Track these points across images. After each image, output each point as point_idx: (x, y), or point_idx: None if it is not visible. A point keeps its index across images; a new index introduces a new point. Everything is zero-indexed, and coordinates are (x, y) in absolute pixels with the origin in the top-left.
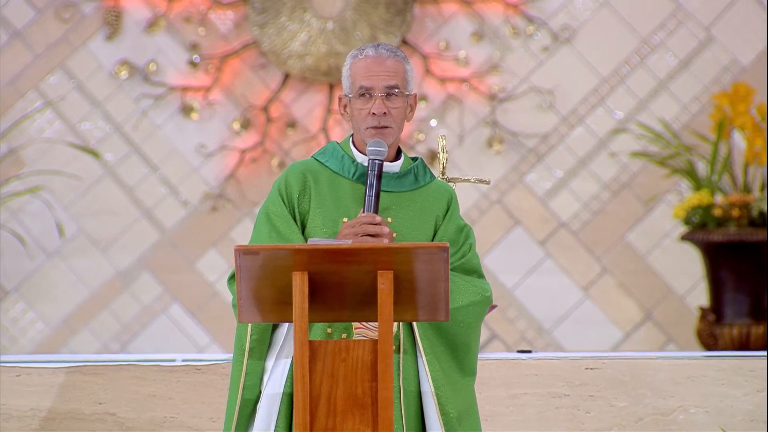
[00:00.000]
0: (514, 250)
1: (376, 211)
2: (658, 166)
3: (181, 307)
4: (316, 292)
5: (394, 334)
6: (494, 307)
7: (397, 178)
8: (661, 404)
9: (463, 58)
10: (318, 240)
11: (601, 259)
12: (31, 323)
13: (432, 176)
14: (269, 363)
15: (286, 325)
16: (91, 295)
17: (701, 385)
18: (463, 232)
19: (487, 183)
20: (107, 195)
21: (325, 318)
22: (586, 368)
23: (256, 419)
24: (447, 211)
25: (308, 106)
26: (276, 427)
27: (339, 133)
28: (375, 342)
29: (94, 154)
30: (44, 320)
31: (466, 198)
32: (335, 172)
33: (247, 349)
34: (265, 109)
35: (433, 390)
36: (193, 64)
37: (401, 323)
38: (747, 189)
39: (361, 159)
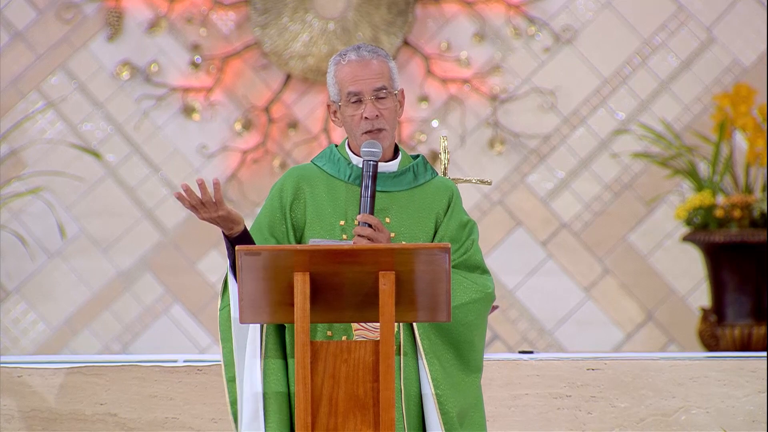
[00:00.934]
0: (516, 250)
1: (371, 213)
2: (659, 166)
3: (183, 307)
4: (318, 293)
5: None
6: (496, 307)
7: (394, 177)
8: (663, 405)
9: (464, 58)
10: (319, 240)
11: (603, 259)
12: (33, 324)
13: (433, 173)
14: (251, 361)
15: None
16: (92, 295)
17: (703, 386)
18: (466, 228)
19: (489, 184)
20: (109, 196)
21: (327, 319)
22: (588, 369)
23: (243, 418)
24: (448, 207)
25: (310, 107)
26: (267, 427)
27: (340, 133)
28: (376, 343)
29: (96, 154)
30: (45, 321)
31: (467, 199)
32: (332, 176)
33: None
34: (267, 109)
35: (433, 391)
36: (194, 65)
37: (401, 324)
38: (748, 190)
39: (356, 161)
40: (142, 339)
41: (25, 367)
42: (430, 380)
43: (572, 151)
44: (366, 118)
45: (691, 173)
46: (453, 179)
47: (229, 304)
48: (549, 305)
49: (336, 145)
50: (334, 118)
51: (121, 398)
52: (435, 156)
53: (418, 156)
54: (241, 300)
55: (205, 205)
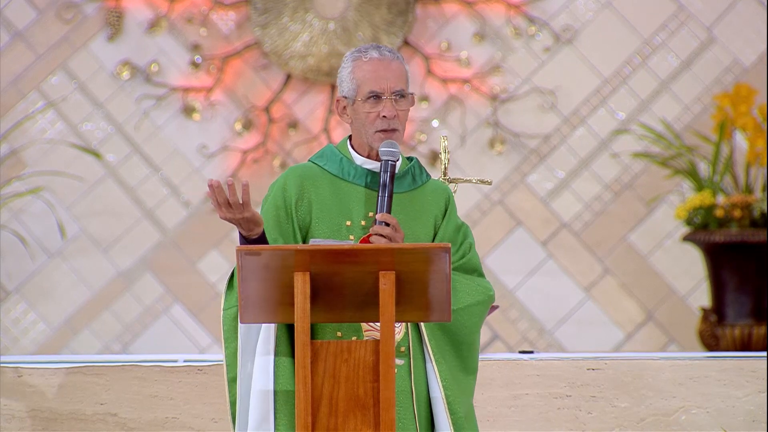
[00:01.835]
0: (516, 250)
1: (389, 212)
2: (659, 166)
3: (183, 307)
4: (318, 293)
5: (402, 337)
6: (496, 307)
7: (397, 179)
8: (663, 405)
9: (464, 58)
10: (320, 240)
11: (603, 259)
12: (33, 324)
13: (428, 176)
14: (258, 359)
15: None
16: (92, 295)
17: (703, 386)
18: (461, 231)
19: (489, 184)
20: (109, 196)
21: (327, 318)
22: (588, 369)
23: (250, 417)
24: (445, 211)
25: (310, 107)
26: (276, 426)
27: (341, 133)
28: (377, 342)
29: (96, 154)
30: (46, 321)
31: (467, 199)
32: (335, 176)
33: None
34: (267, 109)
35: (442, 393)
36: (194, 65)
37: (409, 326)
38: (749, 190)
39: (360, 161)
40: (143, 339)
41: (26, 366)
42: (440, 382)
43: (572, 151)
44: (384, 116)
45: (692, 173)
46: (453, 179)
47: (237, 305)
48: (549, 305)
49: (334, 145)
50: (342, 114)
51: (121, 398)
52: (435, 156)
53: (412, 158)
54: (241, 300)
55: (231, 206)
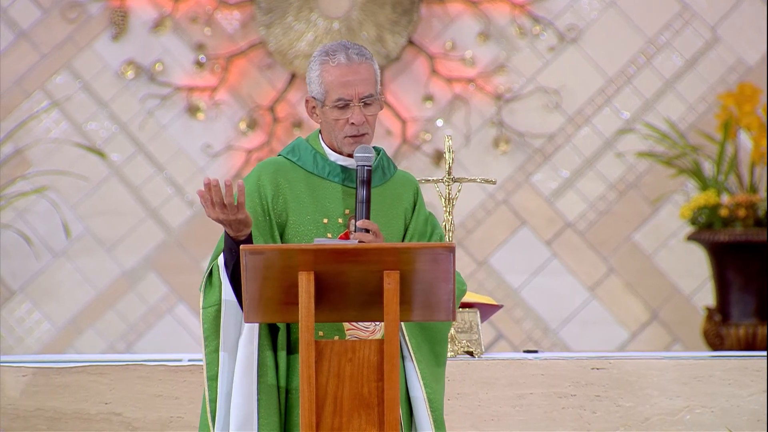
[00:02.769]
0: (520, 250)
1: (368, 218)
2: (664, 166)
3: (187, 307)
4: (322, 292)
5: (380, 334)
6: (500, 307)
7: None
8: (668, 404)
9: (469, 58)
10: (323, 240)
11: (608, 259)
12: (37, 323)
13: (394, 167)
14: (241, 357)
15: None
16: (97, 295)
17: (707, 386)
18: (429, 223)
19: (493, 183)
20: (113, 195)
21: (331, 318)
22: (592, 368)
23: (232, 415)
24: (415, 203)
25: None
26: (260, 426)
27: None
28: (381, 342)
29: (100, 154)
30: (50, 320)
31: (472, 198)
32: (309, 172)
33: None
34: (272, 109)
35: (424, 395)
36: (199, 64)
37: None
38: (753, 189)
39: (334, 157)
40: (147, 338)
41: (30, 366)
42: (421, 381)
43: (577, 150)
44: (353, 123)
45: (696, 172)
46: (457, 179)
47: (219, 303)
48: (553, 305)
49: (304, 139)
50: (312, 114)
51: (125, 397)
52: (440, 155)
53: (379, 150)
54: (245, 300)
55: (226, 207)
